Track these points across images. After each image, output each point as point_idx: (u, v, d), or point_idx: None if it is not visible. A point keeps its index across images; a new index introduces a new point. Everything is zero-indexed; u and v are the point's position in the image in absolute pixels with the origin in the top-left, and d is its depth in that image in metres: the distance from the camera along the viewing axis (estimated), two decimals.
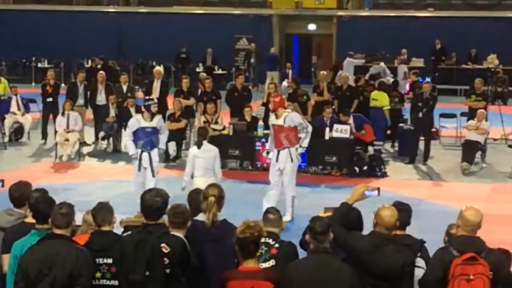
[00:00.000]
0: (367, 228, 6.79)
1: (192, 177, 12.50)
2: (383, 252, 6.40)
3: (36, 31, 34.22)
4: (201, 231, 6.90)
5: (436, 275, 6.35)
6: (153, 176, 13.27)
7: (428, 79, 26.12)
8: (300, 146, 13.09)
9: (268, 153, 13.83)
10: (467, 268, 6.20)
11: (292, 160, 12.96)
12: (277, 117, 13.10)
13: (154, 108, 13.39)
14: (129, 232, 6.82)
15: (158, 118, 13.60)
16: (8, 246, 6.90)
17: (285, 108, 13.51)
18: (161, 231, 6.58)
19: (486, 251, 6.36)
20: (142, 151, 13.32)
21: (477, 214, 6.44)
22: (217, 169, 12.47)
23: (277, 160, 13.08)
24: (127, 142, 13.96)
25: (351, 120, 17.54)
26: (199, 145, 12.45)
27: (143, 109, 13.80)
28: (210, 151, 12.44)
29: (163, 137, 13.77)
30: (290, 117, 13.05)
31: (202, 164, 12.33)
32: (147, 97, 14.05)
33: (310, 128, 13.22)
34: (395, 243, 6.52)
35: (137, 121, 13.46)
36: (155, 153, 13.48)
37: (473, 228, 6.41)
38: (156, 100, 13.87)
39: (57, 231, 6.37)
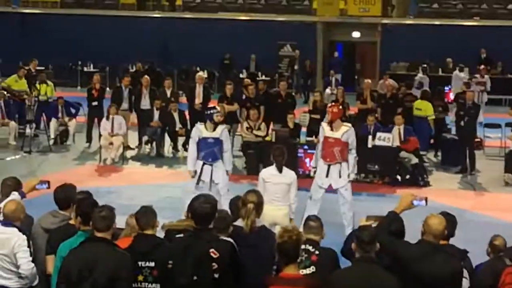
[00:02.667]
0: (413, 238, 6.77)
1: None
2: (432, 260, 6.38)
3: (82, 36, 34.55)
4: (240, 236, 6.92)
5: (486, 282, 6.36)
6: (221, 193, 12.15)
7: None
8: (351, 174, 12.29)
9: (315, 171, 12.53)
10: None
11: (347, 175, 12.25)
12: (332, 129, 12.21)
13: (217, 117, 12.31)
14: (181, 235, 6.85)
15: (221, 128, 12.43)
16: (53, 248, 7.01)
17: (342, 120, 12.60)
18: (211, 236, 6.58)
19: None
20: (203, 164, 12.36)
21: None
22: (291, 198, 10.73)
23: (327, 176, 12.26)
24: (188, 156, 12.67)
25: (401, 127, 17.53)
26: (279, 169, 10.74)
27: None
28: (283, 176, 10.75)
29: (227, 156, 12.55)
30: (349, 133, 12.18)
31: (271, 190, 10.57)
32: (209, 106, 12.98)
33: (355, 153, 12.41)
34: (444, 252, 6.50)
35: (198, 130, 12.40)
36: (218, 167, 12.41)
37: None
38: (219, 109, 12.94)
39: (98, 234, 6.46)
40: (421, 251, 6.43)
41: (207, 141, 12.31)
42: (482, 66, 26.68)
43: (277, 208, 10.46)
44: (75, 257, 6.35)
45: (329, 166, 12.27)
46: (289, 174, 10.82)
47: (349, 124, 12.65)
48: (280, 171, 10.75)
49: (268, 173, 10.85)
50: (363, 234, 6.19)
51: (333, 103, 13.47)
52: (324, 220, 7.44)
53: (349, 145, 12.26)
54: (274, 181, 10.69)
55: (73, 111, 21.26)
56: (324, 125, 12.48)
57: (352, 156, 12.34)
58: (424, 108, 19.30)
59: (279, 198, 10.62)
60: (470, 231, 11.29)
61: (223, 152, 12.47)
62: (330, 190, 12.60)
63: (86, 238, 6.56)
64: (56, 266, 6.78)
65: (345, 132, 12.19)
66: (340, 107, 13.00)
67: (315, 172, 12.54)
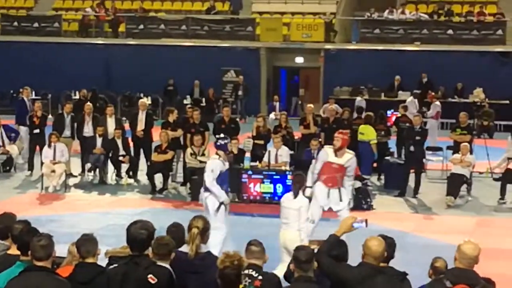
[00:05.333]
0: (354, 261, 6.80)
1: None
2: (373, 282, 6.42)
3: (23, 63, 34.24)
4: (184, 262, 6.89)
5: None
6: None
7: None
8: (351, 201, 12.88)
9: (310, 192, 12.50)
10: None
11: (344, 201, 12.58)
12: (337, 155, 12.51)
13: (230, 147, 12.69)
14: (115, 265, 6.81)
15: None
16: None
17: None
18: (148, 262, 6.57)
19: (481, 285, 6.39)
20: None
21: (475, 248, 6.53)
22: (301, 224, 10.86)
23: (328, 197, 12.56)
24: (216, 188, 12.50)
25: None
26: (295, 194, 11.02)
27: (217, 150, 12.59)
28: (294, 201, 10.98)
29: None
30: (352, 161, 12.61)
31: (282, 214, 11.02)
32: (218, 136, 12.69)
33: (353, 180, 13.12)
34: (384, 274, 6.55)
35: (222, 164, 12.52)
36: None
37: (469, 261, 6.50)
38: (229, 139, 13.03)
39: (38, 263, 6.32)
40: (362, 273, 6.47)
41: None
42: (430, 93, 27.24)
43: (286, 231, 10.85)
44: None
45: (329, 189, 12.59)
46: (300, 200, 11.02)
47: (353, 152, 12.99)
48: (295, 196, 11.01)
49: (286, 197, 11.22)
50: (300, 254, 6.26)
51: (342, 131, 13.33)
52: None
53: (348, 171, 12.62)
54: (286, 205, 11.04)
55: (12, 135, 20.96)
56: (329, 151, 12.72)
57: (350, 183, 12.90)
58: (366, 133, 19.46)
59: (287, 222, 10.92)
60: (412, 253, 11.42)
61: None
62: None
63: (26, 267, 6.43)
64: None
65: (349, 159, 12.57)
66: (349, 135, 13.22)
67: (310, 191, 12.58)
